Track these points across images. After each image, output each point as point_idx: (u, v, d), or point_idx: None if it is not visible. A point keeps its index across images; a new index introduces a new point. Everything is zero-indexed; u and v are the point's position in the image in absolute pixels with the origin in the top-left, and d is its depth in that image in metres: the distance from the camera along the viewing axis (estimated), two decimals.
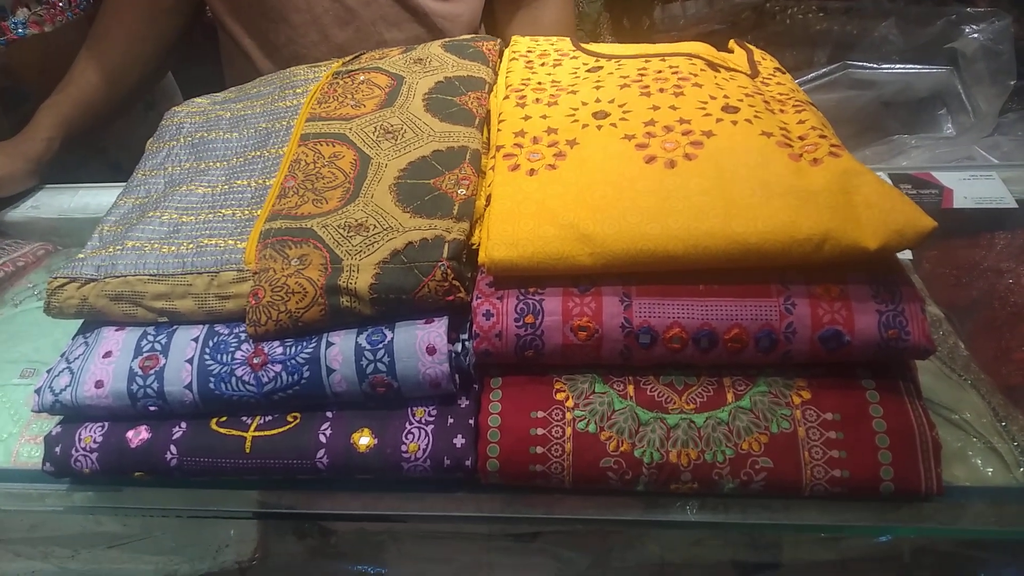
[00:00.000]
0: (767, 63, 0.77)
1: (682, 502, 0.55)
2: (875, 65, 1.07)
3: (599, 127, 0.61)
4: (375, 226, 0.57)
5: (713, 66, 0.69)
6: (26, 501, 0.59)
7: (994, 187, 0.81)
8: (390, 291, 0.54)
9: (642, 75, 0.67)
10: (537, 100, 0.66)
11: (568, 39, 0.80)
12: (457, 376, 0.55)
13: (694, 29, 1.25)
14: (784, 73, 0.75)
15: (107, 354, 0.57)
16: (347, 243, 0.56)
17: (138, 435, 0.56)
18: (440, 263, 0.54)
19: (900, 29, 1.08)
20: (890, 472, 0.52)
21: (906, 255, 0.75)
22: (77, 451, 0.56)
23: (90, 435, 0.57)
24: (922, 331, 0.52)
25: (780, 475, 0.52)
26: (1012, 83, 0.95)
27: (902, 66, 1.07)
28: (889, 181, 0.83)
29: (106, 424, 0.57)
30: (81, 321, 0.62)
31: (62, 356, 0.59)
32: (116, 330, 0.59)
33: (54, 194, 0.96)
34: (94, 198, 0.93)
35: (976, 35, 0.96)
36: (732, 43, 0.81)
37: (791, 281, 0.53)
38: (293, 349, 0.55)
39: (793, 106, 0.65)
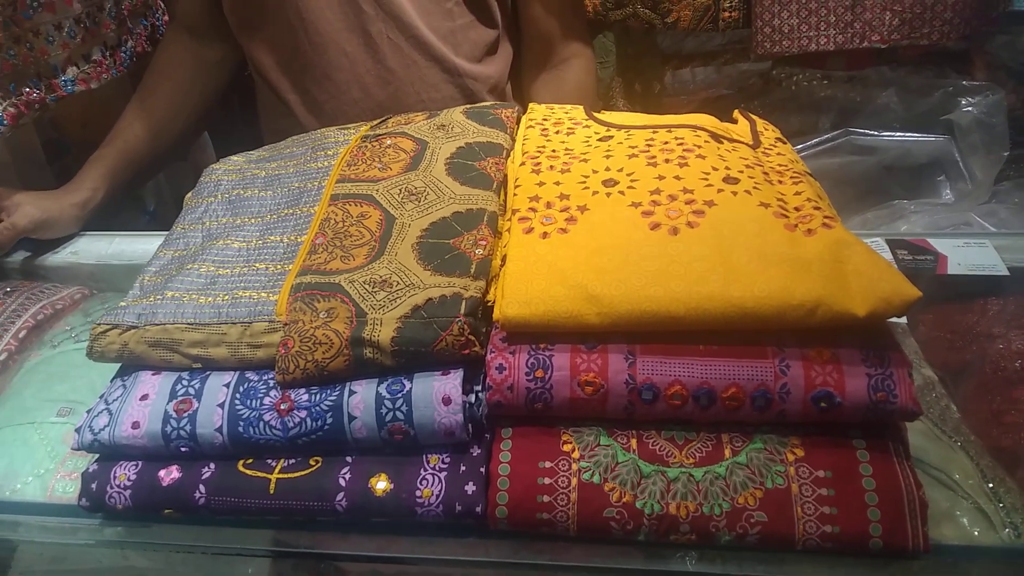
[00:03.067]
0: (769, 133, 0.81)
1: (682, 553, 0.58)
2: (876, 132, 1.12)
3: (608, 194, 0.66)
4: (398, 282, 0.61)
5: (716, 137, 0.74)
6: (60, 534, 0.63)
7: (987, 255, 0.85)
8: (410, 344, 0.58)
9: (649, 145, 0.72)
10: (551, 167, 0.71)
11: (582, 108, 0.85)
12: (470, 425, 0.58)
13: (703, 94, 1.30)
14: (785, 143, 0.79)
15: (144, 397, 0.61)
16: (372, 298, 0.60)
17: (169, 474, 0.60)
18: (457, 319, 0.58)
19: (900, 98, 1.13)
20: (879, 529, 0.55)
21: (901, 319, 0.79)
22: (112, 488, 0.60)
23: (124, 473, 0.60)
24: (909, 395, 0.56)
25: (774, 529, 0.55)
26: (1005, 154, 1.00)
27: (902, 134, 1.12)
28: (887, 247, 0.87)
29: (140, 463, 0.61)
30: (118, 365, 0.66)
31: (101, 397, 0.63)
32: (153, 374, 0.63)
33: (92, 241, 1.02)
34: (129, 245, 0.99)
35: (971, 108, 1.01)
36: (737, 113, 0.86)
37: (786, 344, 0.57)
38: (318, 396, 0.59)
39: (791, 177, 0.69)
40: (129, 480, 0.60)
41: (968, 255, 0.85)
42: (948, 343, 0.79)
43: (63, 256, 0.99)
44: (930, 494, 0.61)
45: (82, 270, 0.97)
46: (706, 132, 0.74)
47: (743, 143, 0.76)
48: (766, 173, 0.69)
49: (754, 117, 0.85)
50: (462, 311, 0.58)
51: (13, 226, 0.95)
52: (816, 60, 1.21)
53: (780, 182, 0.68)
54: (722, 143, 0.73)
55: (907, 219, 1.05)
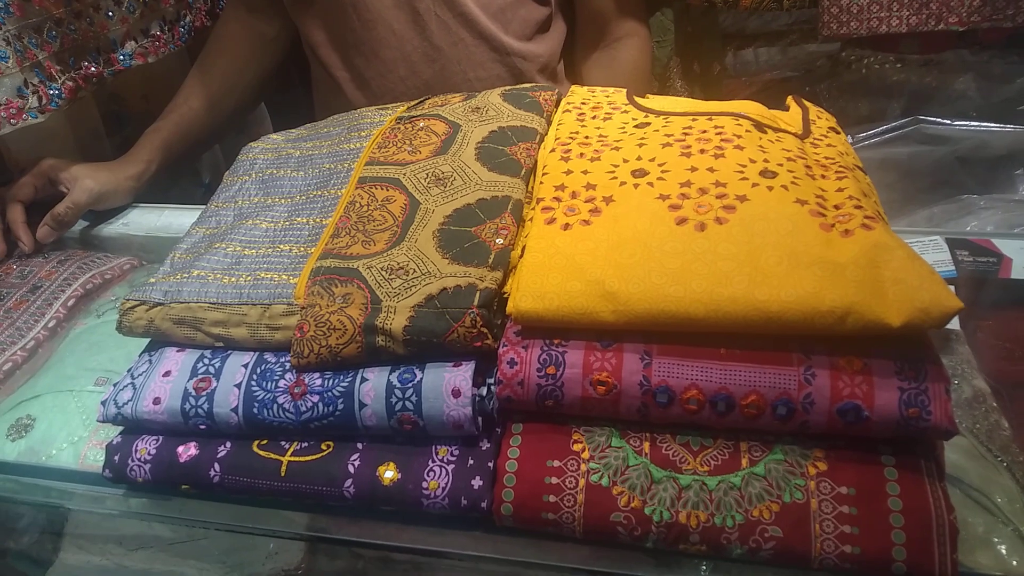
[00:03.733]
0: (822, 122, 0.77)
1: (697, 561, 0.56)
2: (949, 121, 1.05)
3: (636, 185, 0.63)
4: (415, 270, 0.60)
5: (760, 127, 0.70)
6: (88, 502, 0.65)
7: None
8: (422, 334, 0.57)
9: (686, 134, 0.69)
10: (581, 155, 0.68)
11: (623, 92, 0.82)
12: (480, 419, 0.57)
13: (766, 76, 1.25)
14: (839, 133, 0.75)
15: (167, 373, 0.63)
16: (388, 285, 0.60)
17: (187, 451, 0.61)
18: (470, 310, 0.57)
19: (979, 85, 1.05)
20: (903, 553, 0.51)
21: (954, 323, 0.74)
22: (133, 461, 0.62)
23: (145, 447, 0.62)
24: (945, 412, 0.52)
25: (789, 545, 0.53)
26: None
27: (977, 123, 1.04)
28: (946, 246, 0.82)
29: (160, 438, 0.62)
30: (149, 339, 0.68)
31: (128, 371, 0.65)
32: (177, 351, 0.64)
33: (143, 213, 1.05)
34: (178, 218, 1.01)
35: None
36: (790, 100, 0.82)
37: (813, 351, 0.54)
38: (331, 382, 0.59)
39: (836, 172, 0.65)
40: (149, 454, 0.62)
41: None
42: (1007, 353, 0.74)
43: (116, 227, 1.02)
44: (966, 517, 0.58)
45: (133, 241, 1.00)
46: (749, 121, 0.70)
47: (790, 133, 0.71)
48: (809, 167, 0.65)
49: (808, 104, 0.80)
50: (475, 302, 0.57)
51: (75, 204, 0.99)
52: (888, 43, 1.14)
53: (823, 176, 0.64)
54: (765, 133, 0.69)
55: (976, 215, 0.98)
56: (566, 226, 0.61)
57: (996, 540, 0.56)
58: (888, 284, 0.52)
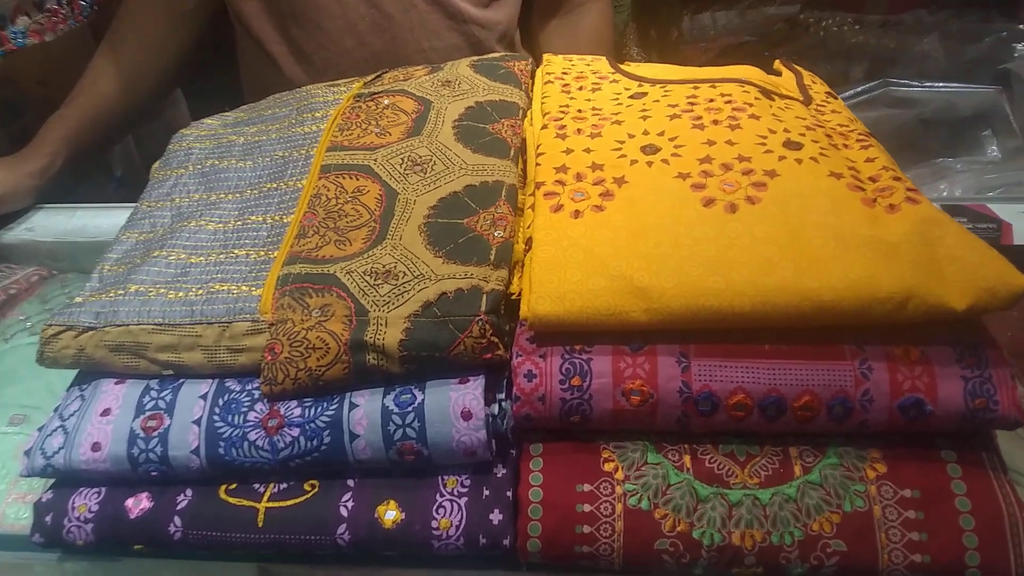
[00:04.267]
0: (818, 87, 0.71)
1: None
2: (917, 83, 1.02)
3: (649, 163, 0.56)
4: (404, 273, 0.52)
5: (767, 94, 0.64)
6: (13, 572, 0.54)
7: None
8: (422, 348, 0.48)
9: (692, 104, 0.62)
10: (579, 131, 0.60)
11: (604, 59, 0.74)
12: (494, 442, 0.50)
13: (723, 40, 1.20)
14: (836, 98, 0.69)
15: (105, 411, 0.52)
16: (374, 292, 0.51)
17: (139, 504, 0.51)
18: (478, 317, 0.49)
19: (943, 46, 1.02)
20: (976, 558, 0.47)
21: None
22: (70, 520, 0.51)
23: (85, 503, 0.51)
24: (1012, 400, 0.47)
25: (855, 560, 0.47)
26: None
27: (945, 84, 1.02)
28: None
29: (103, 490, 0.52)
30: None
31: (56, 412, 0.53)
32: (116, 383, 0.54)
33: (50, 215, 0.90)
34: (93, 219, 0.88)
35: None
36: (778, 64, 0.76)
37: (866, 341, 0.48)
38: (312, 411, 0.50)
39: (857, 140, 0.59)
40: (91, 511, 0.51)
41: None
42: (1018, 322, 0.71)
43: (18, 233, 0.88)
44: None
45: (40, 248, 0.86)
46: (755, 87, 0.64)
47: (795, 99, 0.66)
48: (829, 135, 0.59)
49: (799, 69, 0.74)
50: (483, 308, 0.49)
51: None
52: (850, 3, 1.11)
53: (846, 146, 0.59)
54: (773, 100, 0.63)
55: (951, 179, 0.95)
56: (576, 213, 0.53)
57: None
58: (945, 263, 0.47)
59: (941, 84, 1.01)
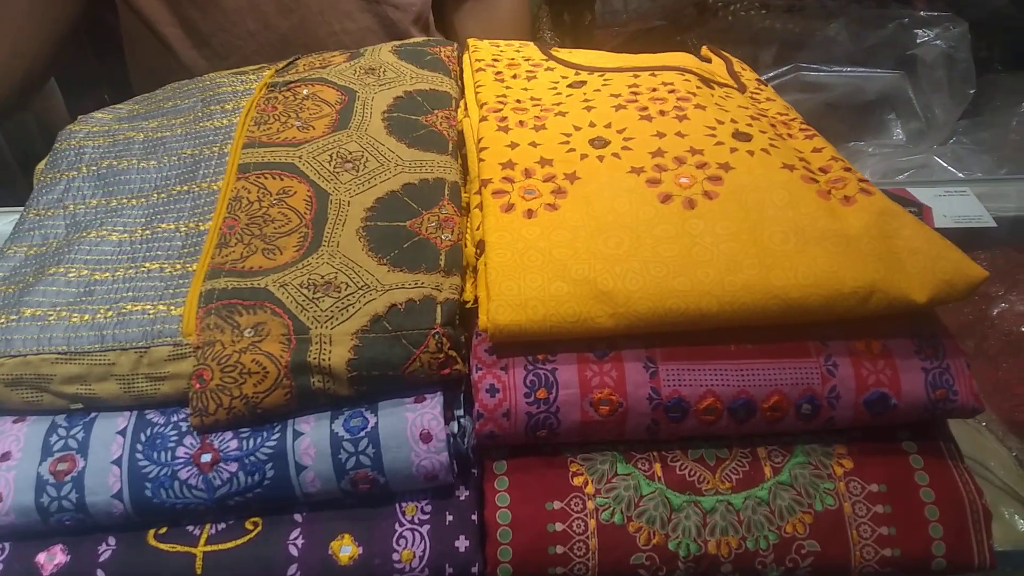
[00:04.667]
0: (747, 74, 0.71)
1: None
2: (826, 68, 1.04)
3: (600, 158, 0.53)
4: (347, 284, 0.47)
5: (707, 82, 0.62)
6: None
7: (970, 204, 0.79)
8: (373, 367, 0.44)
9: (635, 94, 0.59)
10: (521, 123, 0.57)
11: (533, 44, 0.71)
12: (455, 463, 0.46)
13: (635, 25, 1.19)
14: (767, 86, 0.69)
15: (4, 456, 0.45)
16: (314, 307, 0.46)
17: (53, 559, 0.45)
18: (434, 330, 0.45)
19: (849, 31, 1.05)
20: (942, 548, 0.47)
21: None
22: None
23: None
24: (970, 389, 0.48)
25: (828, 559, 0.46)
26: (971, 92, 0.94)
27: (852, 69, 1.04)
28: None
29: (6, 546, 0.45)
30: None
31: None
32: (14, 421, 0.47)
33: None
34: None
35: (938, 41, 0.94)
36: (706, 50, 0.75)
37: (829, 337, 0.48)
38: (251, 442, 0.45)
39: (800, 130, 0.59)
40: None
41: (952, 205, 0.78)
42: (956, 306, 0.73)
43: None
44: None
45: None
46: (695, 76, 0.62)
47: (732, 88, 0.65)
48: (773, 125, 0.58)
49: (728, 56, 0.74)
50: (438, 319, 0.45)
51: None
52: None
53: (790, 136, 0.58)
54: (714, 89, 0.62)
55: (863, 163, 0.98)
56: (529, 212, 0.50)
57: (1003, 510, 0.54)
58: (905, 255, 0.47)
59: (849, 69, 1.04)
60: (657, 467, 0.48)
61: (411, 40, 0.71)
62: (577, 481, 0.47)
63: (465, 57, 0.70)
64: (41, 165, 0.60)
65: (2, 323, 0.47)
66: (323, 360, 0.44)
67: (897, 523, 0.47)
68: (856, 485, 0.48)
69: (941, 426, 0.51)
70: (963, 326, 0.71)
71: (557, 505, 0.46)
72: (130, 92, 0.77)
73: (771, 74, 1.05)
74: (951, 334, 0.50)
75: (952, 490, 0.48)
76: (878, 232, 0.48)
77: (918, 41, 0.97)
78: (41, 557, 0.45)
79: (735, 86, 0.65)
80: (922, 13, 0.97)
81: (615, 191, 0.50)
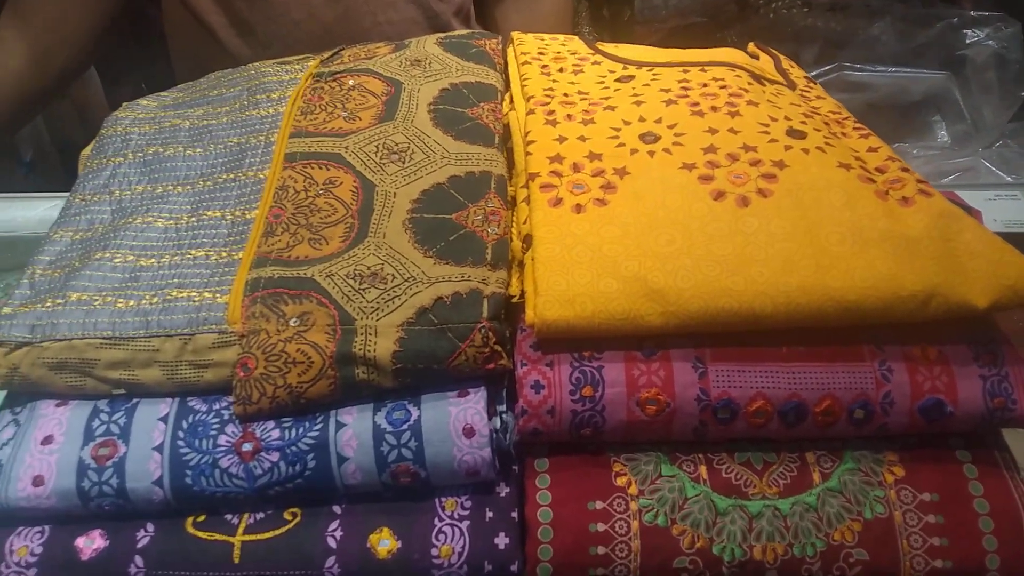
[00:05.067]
0: (796, 72, 0.69)
1: None
2: (871, 67, 1.02)
3: (651, 152, 0.52)
4: (393, 275, 0.46)
5: (758, 79, 0.61)
6: None
7: (1021, 208, 0.77)
8: (418, 359, 0.44)
9: (686, 89, 0.58)
10: (569, 116, 0.56)
11: (578, 38, 0.70)
12: (497, 459, 0.45)
13: (674, 21, 1.17)
14: (816, 84, 0.68)
15: (47, 439, 0.45)
16: (360, 298, 0.45)
17: (91, 543, 0.45)
18: (480, 324, 0.44)
19: (895, 30, 1.03)
20: (996, 561, 0.45)
21: None
22: (8, 567, 0.44)
23: (25, 545, 0.44)
24: None
25: (877, 568, 0.45)
26: (1023, 94, 0.91)
27: (897, 69, 1.02)
28: None
29: (47, 529, 0.45)
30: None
31: None
32: (57, 405, 0.47)
33: None
34: (4, 211, 0.78)
35: (990, 42, 0.91)
36: (753, 47, 0.73)
37: (884, 341, 0.46)
38: (293, 432, 0.44)
39: (854, 128, 0.58)
40: (33, 555, 0.44)
41: (1002, 209, 0.76)
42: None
43: None
44: None
45: None
46: (745, 72, 0.61)
47: (782, 85, 0.63)
48: (827, 123, 0.57)
49: (775, 52, 0.72)
50: (484, 313, 0.45)
51: None
52: None
53: (844, 135, 0.57)
54: (765, 85, 0.61)
55: (908, 164, 0.96)
56: (578, 207, 0.49)
57: None
58: (965, 259, 0.46)
59: (894, 68, 1.02)
60: (703, 469, 0.47)
61: (456, 32, 0.71)
62: (620, 481, 0.46)
63: (509, 50, 0.69)
64: (87, 151, 0.61)
65: (48, 307, 0.47)
66: (368, 351, 0.44)
67: (949, 534, 0.46)
68: (907, 493, 0.46)
69: (996, 434, 0.50)
70: (1016, 332, 0.69)
71: (599, 505, 0.45)
72: (168, 80, 0.78)
73: (813, 73, 1.04)
74: (1010, 341, 0.48)
75: (1008, 501, 0.46)
76: (938, 234, 0.46)
77: (968, 41, 0.95)
78: (80, 541, 0.45)
79: (785, 83, 0.64)
80: (972, 13, 0.95)
81: (666, 187, 0.49)
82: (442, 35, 0.69)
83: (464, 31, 0.72)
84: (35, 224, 0.76)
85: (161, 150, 0.58)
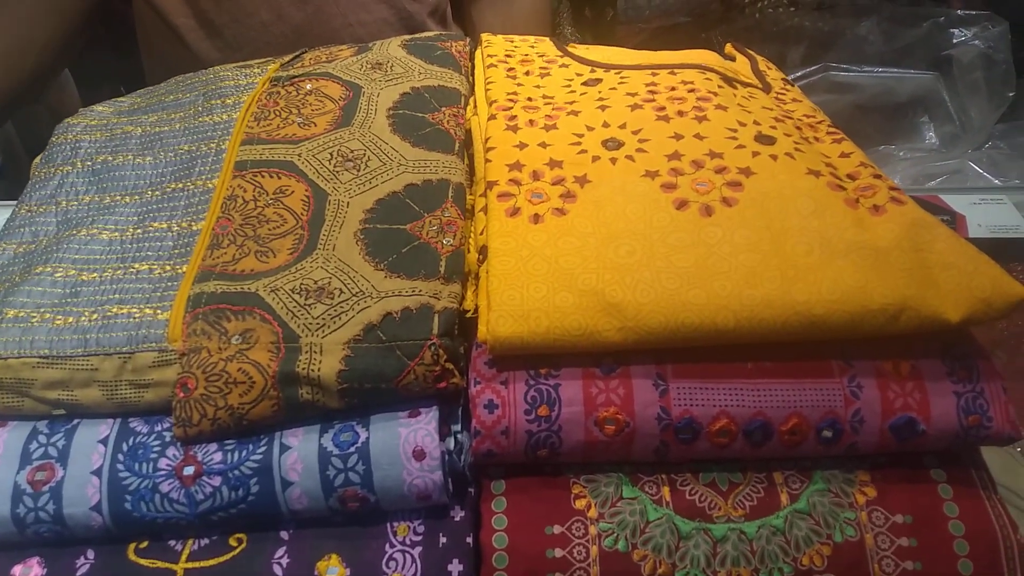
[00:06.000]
0: (773, 73, 0.68)
1: None
2: (856, 68, 1.00)
3: (613, 160, 0.50)
4: (341, 290, 0.45)
5: (729, 81, 0.59)
6: None
7: (1007, 213, 0.75)
8: (365, 379, 0.42)
9: (653, 93, 0.56)
10: (531, 122, 0.54)
11: (549, 40, 0.69)
12: (450, 482, 0.43)
13: (658, 22, 1.15)
14: (793, 86, 0.66)
15: None
16: (305, 314, 0.44)
17: (28, 572, 0.43)
18: (430, 341, 0.42)
19: (881, 30, 1.01)
20: None
21: None
22: None
23: None
24: (1006, 416, 0.44)
25: None
26: (1011, 95, 0.89)
27: (884, 69, 1.00)
28: None
29: None
30: None
31: None
32: None
33: None
34: None
35: (976, 41, 0.89)
36: (730, 48, 0.72)
37: (854, 356, 0.44)
38: (236, 455, 0.42)
39: (828, 133, 0.56)
40: None
41: (988, 214, 0.74)
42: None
43: None
44: None
45: None
46: (716, 74, 0.59)
47: (756, 87, 0.61)
48: (799, 128, 0.55)
49: (752, 53, 0.70)
50: (435, 330, 0.43)
51: None
52: None
53: (817, 139, 0.55)
54: (737, 88, 0.59)
55: (893, 167, 0.94)
56: (535, 217, 0.47)
57: None
58: (937, 271, 0.44)
59: (880, 69, 1.00)
60: (665, 491, 0.45)
61: (422, 34, 0.69)
62: (579, 504, 0.44)
63: (477, 53, 0.67)
64: (37, 159, 0.59)
65: None
66: (312, 371, 0.42)
67: (923, 557, 0.44)
68: (879, 515, 0.45)
69: (973, 453, 0.48)
70: (994, 341, 0.67)
71: (557, 530, 0.43)
72: (142, 84, 0.75)
73: (799, 74, 1.02)
74: (987, 355, 0.46)
75: (984, 523, 0.44)
76: (909, 245, 0.44)
77: (954, 41, 0.93)
78: (17, 570, 0.43)
79: (759, 86, 0.62)
80: (959, 12, 0.93)
81: (628, 196, 0.47)
82: (408, 37, 0.67)
83: (431, 33, 0.70)
84: None
85: (110, 158, 0.56)
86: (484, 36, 0.69)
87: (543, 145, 0.52)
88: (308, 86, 0.59)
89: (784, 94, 0.63)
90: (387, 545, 0.43)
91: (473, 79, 0.64)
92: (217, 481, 0.42)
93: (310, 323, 0.43)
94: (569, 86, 0.59)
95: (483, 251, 0.47)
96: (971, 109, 0.91)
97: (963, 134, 0.93)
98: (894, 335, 0.43)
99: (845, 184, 0.49)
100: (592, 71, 0.61)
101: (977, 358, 0.45)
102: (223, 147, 0.54)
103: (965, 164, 0.90)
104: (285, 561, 0.43)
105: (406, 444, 0.42)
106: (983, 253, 0.45)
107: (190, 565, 0.43)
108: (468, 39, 0.68)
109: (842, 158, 0.52)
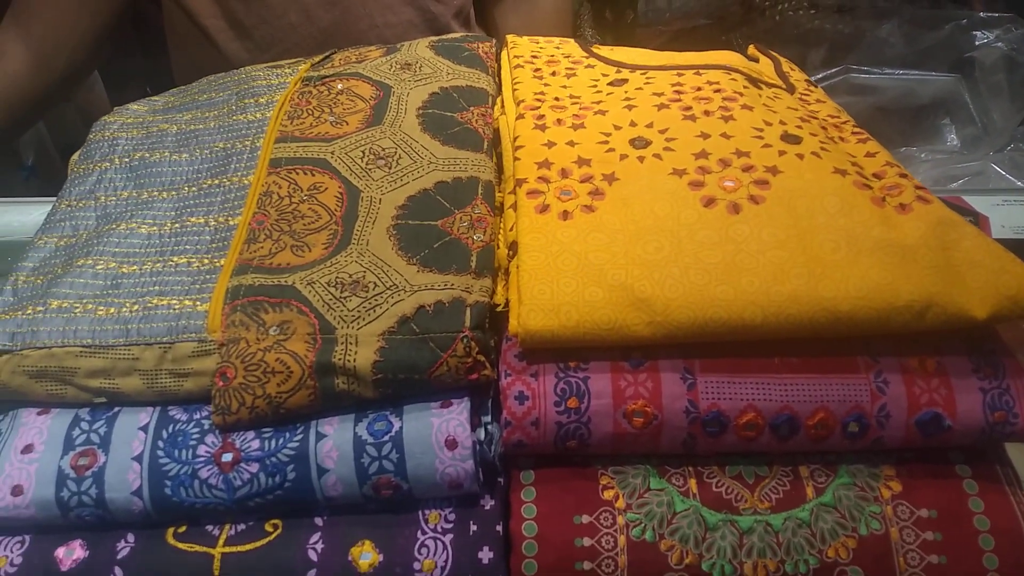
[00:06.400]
0: (796, 75, 0.68)
1: None
2: (878, 70, 1.00)
3: (640, 158, 0.51)
4: (375, 283, 0.46)
5: (754, 82, 0.60)
6: None
7: None
8: (399, 370, 0.43)
9: (679, 93, 0.57)
10: (559, 121, 0.55)
11: (573, 41, 0.69)
12: (481, 472, 0.44)
13: (678, 24, 1.16)
14: (817, 87, 0.66)
15: (27, 448, 0.45)
16: (340, 306, 0.45)
17: (71, 553, 0.44)
18: (462, 334, 0.43)
19: (902, 32, 1.01)
20: None
21: None
22: None
23: (5, 555, 0.44)
24: None
25: None
26: None
27: (905, 72, 1.00)
28: None
29: (27, 539, 0.45)
30: None
31: None
32: (38, 414, 0.46)
33: None
34: (2, 216, 0.78)
35: (999, 43, 0.89)
36: (753, 49, 0.72)
37: (879, 352, 0.45)
38: (273, 443, 0.44)
39: (852, 133, 0.56)
40: (13, 565, 0.44)
41: (1011, 215, 0.74)
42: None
43: None
44: None
45: None
46: (741, 75, 0.60)
47: (781, 88, 0.62)
48: (824, 128, 0.55)
49: (776, 55, 0.71)
50: (467, 323, 0.44)
51: None
52: None
53: (842, 139, 0.55)
54: (762, 89, 0.59)
55: (915, 169, 0.94)
56: (564, 214, 0.48)
57: None
58: (964, 268, 0.44)
59: (901, 71, 1.00)
60: (692, 483, 0.46)
61: (449, 36, 0.70)
62: (607, 495, 0.45)
63: (503, 53, 0.68)
64: (75, 156, 0.60)
65: (29, 314, 0.46)
66: (348, 361, 0.43)
67: (948, 552, 0.44)
68: (904, 509, 0.45)
69: (997, 448, 0.48)
70: (1018, 340, 0.67)
71: (586, 519, 0.44)
72: (173, 85, 0.77)
73: (820, 76, 1.02)
74: (1012, 352, 0.46)
75: (1009, 518, 0.45)
76: (936, 243, 0.45)
77: (977, 43, 0.93)
78: (60, 551, 0.44)
79: (784, 87, 0.63)
80: (981, 14, 0.93)
81: (656, 193, 0.48)
82: (435, 38, 0.68)
83: (458, 34, 0.71)
84: (32, 229, 0.75)
85: (147, 155, 0.57)
86: (510, 37, 0.70)
87: (571, 144, 0.53)
88: (339, 86, 0.60)
89: (808, 95, 0.63)
90: (419, 532, 0.44)
91: (499, 80, 0.65)
92: (255, 468, 0.43)
93: (346, 315, 0.44)
94: (595, 86, 0.60)
95: (513, 247, 0.48)
96: (993, 111, 0.91)
97: (985, 136, 0.93)
98: (920, 332, 0.44)
99: (871, 183, 0.49)
100: (618, 71, 0.62)
101: (1003, 355, 0.46)
102: (258, 144, 0.56)
103: (987, 166, 0.90)
104: (320, 546, 0.44)
105: (438, 433, 0.43)
106: (1010, 252, 0.45)
107: (227, 549, 0.44)
108: (494, 40, 0.69)
109: (868, 157, 0.53)
